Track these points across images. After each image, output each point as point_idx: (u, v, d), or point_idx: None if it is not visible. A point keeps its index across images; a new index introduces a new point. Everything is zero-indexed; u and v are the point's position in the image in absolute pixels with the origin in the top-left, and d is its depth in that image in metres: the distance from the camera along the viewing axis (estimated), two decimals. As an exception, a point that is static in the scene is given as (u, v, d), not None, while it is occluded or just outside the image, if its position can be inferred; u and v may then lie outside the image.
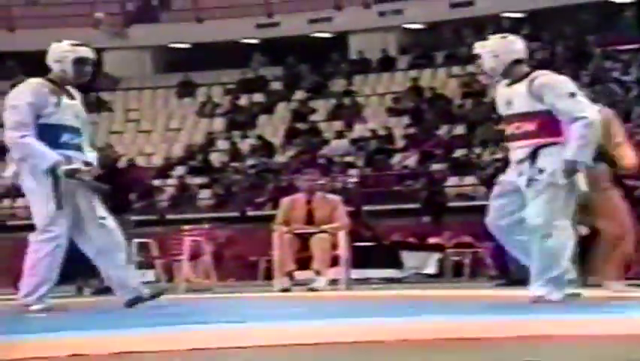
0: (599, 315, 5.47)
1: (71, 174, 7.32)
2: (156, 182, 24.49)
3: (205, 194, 24.04)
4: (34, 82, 7.50)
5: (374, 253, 17.08)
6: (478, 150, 22.74)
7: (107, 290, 12.25)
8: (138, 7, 29.33)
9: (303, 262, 11.72)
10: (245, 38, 28.10)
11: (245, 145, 25.30)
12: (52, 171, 7.24)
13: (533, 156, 6.95)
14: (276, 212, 12.33)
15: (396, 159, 23.52)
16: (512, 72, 7.12)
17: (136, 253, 14.82)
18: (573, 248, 6.97)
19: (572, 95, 6.95)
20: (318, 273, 11.60)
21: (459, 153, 22.95)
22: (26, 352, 4.26)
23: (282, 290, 11.41)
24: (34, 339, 4.61)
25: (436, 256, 18.58)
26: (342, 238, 11.87)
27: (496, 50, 7.15)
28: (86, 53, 7.60)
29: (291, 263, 11.65)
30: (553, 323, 4.97)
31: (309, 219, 11.86)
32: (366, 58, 27.11)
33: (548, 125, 6.96)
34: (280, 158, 24.55)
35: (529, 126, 7.00)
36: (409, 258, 17.87)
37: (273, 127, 26.01)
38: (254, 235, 17.95)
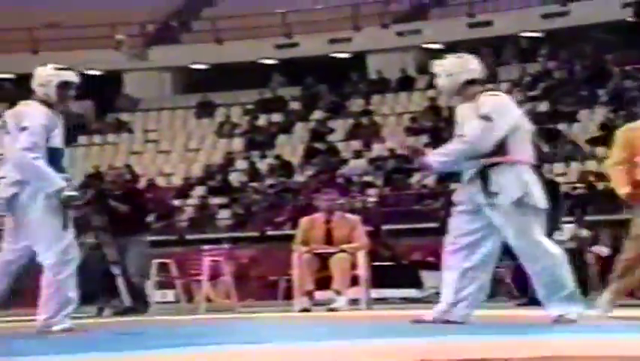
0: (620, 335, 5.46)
1: (70, 200, 7.41)
2: (176, 202, 24.56)
3: (224, 214, 24.08)
4: (40, 105, 7.51)
5: (394, 272, 17.05)
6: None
7: (127, 311, 12.35)
8: (158, 29, 29.51)
9: (323, 282, 11.71)
10: (264, 59, 28.22)
11: (264, 165, 25.36)
12: (56, 194, 7.30)
13: (482, 176, 6.95)
14: (296, 232, 12.34)
15: (415, 178, 23.52)
16: (465, 92, 7.13)
17: (155, 274, 14.88)
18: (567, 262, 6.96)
19: (484, 117, 6.93)
20: (337, 293, 11.59)
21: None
22: None
23: (301, 310, 11.40)
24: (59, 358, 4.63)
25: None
26: (361, 257, 11.87)
27: (450, 69, 7.15)
28: (70, 77, 7.65)
29: (310, 283, 11.65)
30: (576, 344, 4.96)
31: (329, 239, 11.87)
32: (385, 77, 27.17)
33: (499, 144, 6.94)
34: (299, 178, 24.58)
35: None
36: (428, 277, 17.83)
37: (291, 147, 26.06)
38: (273, 255, 17.96)
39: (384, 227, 19.20)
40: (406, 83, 26.96)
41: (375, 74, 27.40)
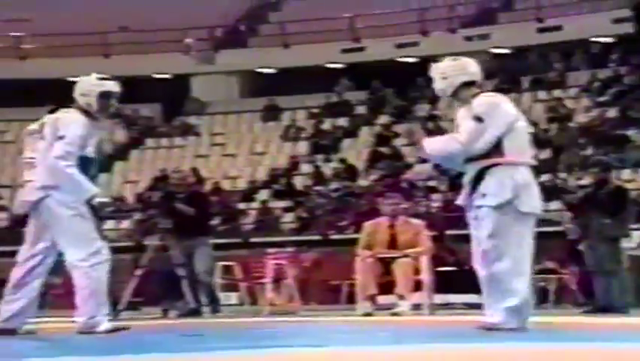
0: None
1: (100, 207, 7.59)
2: (240, 205, 24.69)
3: (288, 217, 24.16)
4: (80, 114, 7.60)
5: (457, 277, 16.94)
6: (563, 175, 22.49)
7: (192, 313, 12.45)
8: (227, 33, 29.71)
9: (386, 287, 11.71)
10: (330, 63, 28.26)
11: (328, 169, 25.40)
12: (88, 201, 7.45)
13: (478, 177, 6.92)
14: (359, 236, 12.35)
15: (481, 183, 23.37)
16: (461, 94, 7.14)
17: (220, 276, 14.99)
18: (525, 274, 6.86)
19: (477, 118, 6.92)
20: (400, 297, 11.58)
21: (544, 177, 22.72)
22: None
23: (364, 314, 11.41)
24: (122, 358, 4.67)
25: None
26: (425, 262, 11.84)
27: (445, 72, 7.18)
28: (112, 87, 7.77)
29: (373, 287, 11.65)
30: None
31: (392, 244, 11.86)
32: (452, 82, 27.05)
33: (492, 146, 6.93)
34: (363, 182, 24.58)
35: None
36: (492, 283, 17.68)
37: (356, 151, 26.07)
38: (336, 259, 17.98)
39: (449, 232, 19.11)
40: (472, 88, 26.81)
41: (441, 79, 27.27)
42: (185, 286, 12.71)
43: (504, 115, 7.03)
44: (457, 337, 6.40)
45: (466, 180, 7.02)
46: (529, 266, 6.96)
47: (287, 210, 24.37)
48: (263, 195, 25.08)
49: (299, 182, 25.26)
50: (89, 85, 7.71)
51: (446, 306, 14.89)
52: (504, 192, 6.87)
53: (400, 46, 27.40)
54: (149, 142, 28.01)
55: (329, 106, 27.59)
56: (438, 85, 7.21)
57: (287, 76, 28.09)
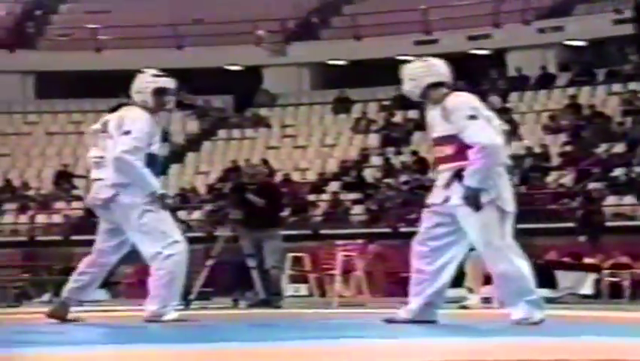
0: None
1: (166, 201, 7.65)
2: (310, 197, 24.76)
3: (358, 210, 24.17)
4: (142, 111, 7.67)
5: (527, 271, 16.82)
6: (638, 169, 22.18)
7: (261, 303, 12.52)
8: (299, 25, 29.77)
9: (456, 280, 11.64)
10: (402, 55, 28.14)
11: (398, 161, 25.34)
12: (153, 195, 7.52)
13: (457, 178, 6.91)
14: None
15: (552, 177, 23.15)
16: (430, 95, 7.12)
17: (289, 267, 15.04)
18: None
19: (472, 117, 6.87)
20: (470, 290, 11.52)
21: (618, 172, 22.43)
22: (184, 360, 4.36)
23: (484, 300, 11.38)
24: (188, 348, 4.73)
25: (592, 276, 18.18)
26: (495, 256, 11.75)
27: (413, 73, 7.18)
28: (166, 83, 7.81)
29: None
30: None
31: (462, 237, 11.79)
32: (524, 75, 26.80)
33: (465, 147, 6.90)
34: (433, 175, 24.45)
35: (448, 150, 7.02)
36: (563, 278, 17.55)
37: (427, 144, 25.90)
38: (405, 251, 17.90)
39: (519, 226, 18.95)
40: (545, 81, 26.55)
41: (514, 71, 27.06)
42: (255, 276, 12.78)
43: (484, 112, 7.04)
44: (528, 331, 6.34)
45: (440, 182, 7.04)
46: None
47: (357, 202, 24.38)
48: (333, 187, 25.11)
49: (369, 174, 25.24)
50: (144, 82, 7.78)
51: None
52: (492, 191, 6.89)
53: (473, 38, 27.21)
54: (221, 133, 28.22)
55: (400, 98, 27.47)
56: (406, 86, 7.23)
57: (358, 68, 28.06)
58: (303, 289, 16.97)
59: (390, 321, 7.11)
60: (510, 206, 6.99)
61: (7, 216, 25.72)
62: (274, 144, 27.55)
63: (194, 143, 27.92)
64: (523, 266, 6.89)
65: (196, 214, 24.65)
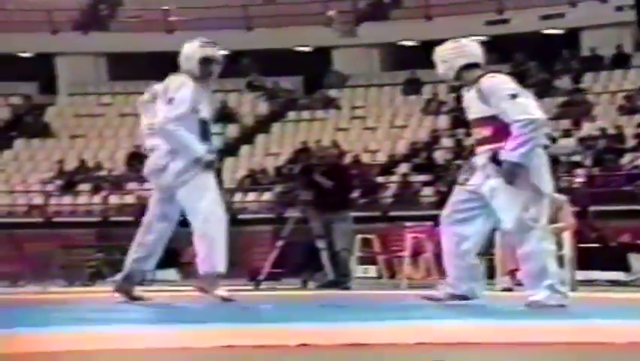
0: None
1: (211, 165, 7.68)
2: (380, 179, 24.74)
3: (428, 191, 24.08)
4: (188, 78, 7.73)
5: (600, 254, 16.64)
6: None
7: (330, 285, 12.57)
8: (370, 5, 29.68)
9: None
10: (473, 35, 27.85)
11: (469, 143, 25.15)
12: (198, 160, 7.58)
13: (494, 160, 6.85)
14: (500, 210, 12.21)
15: (627, 158, 22.83)
16: (464, 77, 7.09)
17: (359, 249, 15.06)
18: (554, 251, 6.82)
19: (513, 96, 6.78)
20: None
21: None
22: (257, 340, 4.43)
23: (503, 290, 11.33)
24: (263, 328, 4.79)
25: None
26: (567, 238, 11.66)
27: (444, 55, 7.19)
28: (212, 52, 7.84)
29: (512, 262, 11.53)
30: None
31: (534, 219, 11.70)
32: (599, 54, 26.40)
33: (504, 129, 6.83)
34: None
35: (486, 132, 6.96)
36: (637, 261, 17.32)
37: (498, 125, 25.73)
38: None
39: (592, 208, 18.76)
40: (621, 61, 26.13)
41: (588, 51, 26.69)
42: (324, 258, 12.83)
43: (522, 91, 6.99)
44: (601, 313, 6.30)
45: (478, 163, 6.98)
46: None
47: (427, 184, 24.29)
48: (403, 168, 25.05)
49: (439, 156, 25.13)
50: (192, 50, 7.86)
51: (588, 283, 14.65)
52: (525, 169, 6.81)
53: (546, 17, 26.86)
54: (291, 115, 28.28)
55: (469, 79, 27.32)
56: (439, 69, 7.24)
57: (429, 49, 27.74)
58: (371, 270, 16.97)
59: (429, 298, 7.24)
60: (547, 187, 6.89)
61: (82, 196, 26.10)
62: (344, 126, 27.55)
63: (263, 124, 28.02)
64: (550, 250, 6.81)
65: (266, 195, 24.78)
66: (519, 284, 11.56)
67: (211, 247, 7.58)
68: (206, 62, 7.79)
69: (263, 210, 24.03)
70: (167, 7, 29.35)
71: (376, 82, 28.76)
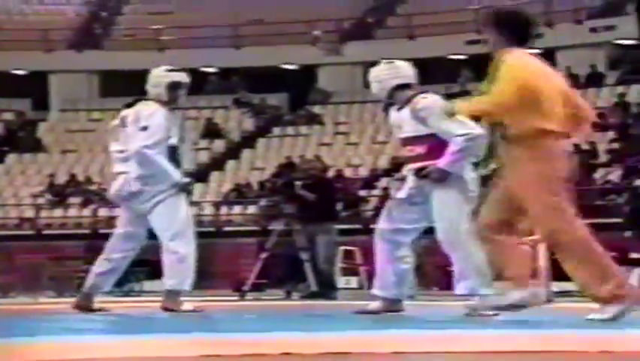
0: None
1: (187, 188, 7.99)
2: (362, 192, 25.19)
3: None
4: (158, 105, 7.88)
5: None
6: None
7: (313, 295, 12.92)
8: (354, 25, 30.18)
9: (499, 273, 11.99)
10: (453, 54, 28.52)
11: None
12: (175, 185, 7.83)
13: (418, 173, 7.21)
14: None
15: (599, 173, 23.42)
16: (397, 97, 7.33)
17: (341, 260, 15.46)
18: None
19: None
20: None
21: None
22: (240, 349, 4.48)
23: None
24: (246, 337, 4.83)
25: (638, 271, 18.45)
26: (542, 250, 12.10)
27: (379, 75, 7.41)
28: (180, 78, 8.06)
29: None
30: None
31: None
32: (573, 73, 27.03)
33: (437, 147, 7.17)
34: (484, 171, 24.76)
35: (420, 149, 7.26)
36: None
37: (478, 141, 26.25)
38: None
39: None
40: (595, 79, 26.76)
41: (564, 70, 27.28)
42: (307, 269, 13.04)
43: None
44: (572, 323, 6.20)
45: (409, 179, 7.30)
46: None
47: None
48: (384, 182, 25.51)
49: (420, 171, 25.56)
50: (158, 77, 8.01)
51: (564, 294, 15.04)
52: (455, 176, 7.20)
53: (524, 37, 27.39)
54: (276, 130, 28.72)
55: (449, 96, 27.72)
56: (373, 89, 7.43)
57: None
58: (353, 281, 17.29)
59: (361, 313, 7.38)
60: (473, 190, 7.25)
61: (72, 209, 26.48)
62: (327, 141, 28.01)
63: (249, 140, 28.48)
64: (481, 257, 6.90)
65: (251, 209, 25.22)
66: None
67: (179, 265, 7.77)
68: (174, 87, 7.96)
69: (248, 223, 24.42)
70: (158, 27, 29.83)
71: (359, 99, 29.22)
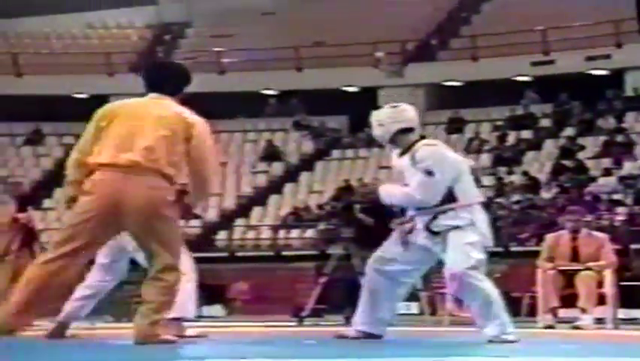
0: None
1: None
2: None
3: (471, 229, 24.13)
4: None
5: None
6: None
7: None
8: (417, 47, 29.92)
9: (568, 300, 11.66)
10: (518, 76, 28.10)
11: (510, 181, 25.28)
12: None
13: (433, 221, 7.24)
14: (540, 248, 12.34)
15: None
16: (399, 141, 7.34)
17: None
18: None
19: (428, 172, 7.11)
20: (583, 311, 11.50)
21: None
22: None
23: (545, 327, 11.39)
24: None
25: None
26: (608, 275, 11.74)
27: (382, 119, 7.36)
28: None
29: (555, 300, 11.63)
30: None
31: (574, 256, 11.81)
32: (642, 94, 26.48)
33: (446, 194, 7.23)
34: (545, 194, 24.36)
35: None
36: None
37: (539, 163, 25.85)
38: (517, 271, 17.93)
39: (633, 246, 18.77)
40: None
41: (631, 91, 26.74)
42: (366, 294, 12.91)
43: (452, 166, 7.30)
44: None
45: (419, 223, 7.34)
46: None
47: (468, 222, 24.36)
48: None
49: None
50: None
51: (631, 321, 14.66)
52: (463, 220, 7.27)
53: (591, 58, 26.94)
54: (335, 153, 28.53)
55: (513, 119, 27.45)
56: (375, 132, 7.45)
57: (473, 89, 28.08)
58: (414, 307, 17.03)
59: (341, 337, 7.53)
60: (490, 242, 7.45)
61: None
62: (386, 164, 27.62)
63: (308, 162, 28.30)
64: (491, 287, 7.34)
65: (309, 232, 25.00)
66: (561, 322, 11.71)
67: (182, 294, 7.48)
68: None
69: (306, 247, 24.23)
70: (220, 49, 29.83)
71: (420, 121, 28.92)
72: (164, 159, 6.18)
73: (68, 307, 7.89)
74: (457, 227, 7.21)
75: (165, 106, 6.39)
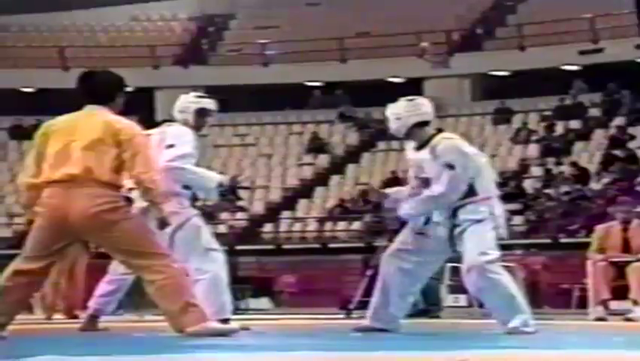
0: None
1: (227, 193, 7.91)
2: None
3: (517, 220, 23.98)
4: (185, 127, 7.78)
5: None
6: None
7: (420, 313, 12.58)
8: (463, 36, 29.73)
9: (619, 292, 11.52)
10: (566, 65, 27.81)
11: (559, 172, 25.04)
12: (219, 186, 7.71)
13: (453, 215, 7.22)
14: (590, 240, 12.21)
15: None
16: (415, 135, 7.34)
17: (449, 277, 15.10)
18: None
19: (449, 166, 7.09)
20: (635, 303, 11.37)
21: None
22: None
23: (596, 319, 11.27)
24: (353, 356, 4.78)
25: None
26: (631, 269, 11.57)
27: (398, 112, 7.37)
28: (208, 104, 7.97)
29: (606, 292, 11.50)
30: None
31: (625, 248, 11.68)
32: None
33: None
34: (595, 185, 24.10)
35: None
36: None
37: (588, 154, 25.57)
38: (566, 263, 17.79)
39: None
40: None
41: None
42: (414, 286, 12.84)
43: (472, 161, 7.28)
44: None
45: (437, 217, 7.32)
46: None
47: (516, 212, 24.19)
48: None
49: (529, 185, 25.03)
50: (187, 102, 7.95)
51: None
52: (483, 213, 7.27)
53: (641, 46, 26.59)
54: (381, 145, 28.42)
55: (562, 108, 27.18)
56: (392, 125, 7.44)
57: (520, 78, 27.85)
58: (462, 299, 16.96)
59: (360, 330, 7.55)
60: (504, 234, 7.49)
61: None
62: (433, 155, 27.55)
63: (354, 154, 28.23)
64: (509, 280, 7.40)
65: (356, 225, 24.93)
66: (612, 314, 11.55)
67: (213, 289, 7.53)
68: (202, 113, 7.91)
69: (353, 239, 24.17)
70: (264, 41, 29.83)
71: (466, 112, 28.78)
72: (99, 168, 6.37)
73: (93, 303, 8.05)
74: (477, 221, 7.23)
75: (95, 116, 6.52)
